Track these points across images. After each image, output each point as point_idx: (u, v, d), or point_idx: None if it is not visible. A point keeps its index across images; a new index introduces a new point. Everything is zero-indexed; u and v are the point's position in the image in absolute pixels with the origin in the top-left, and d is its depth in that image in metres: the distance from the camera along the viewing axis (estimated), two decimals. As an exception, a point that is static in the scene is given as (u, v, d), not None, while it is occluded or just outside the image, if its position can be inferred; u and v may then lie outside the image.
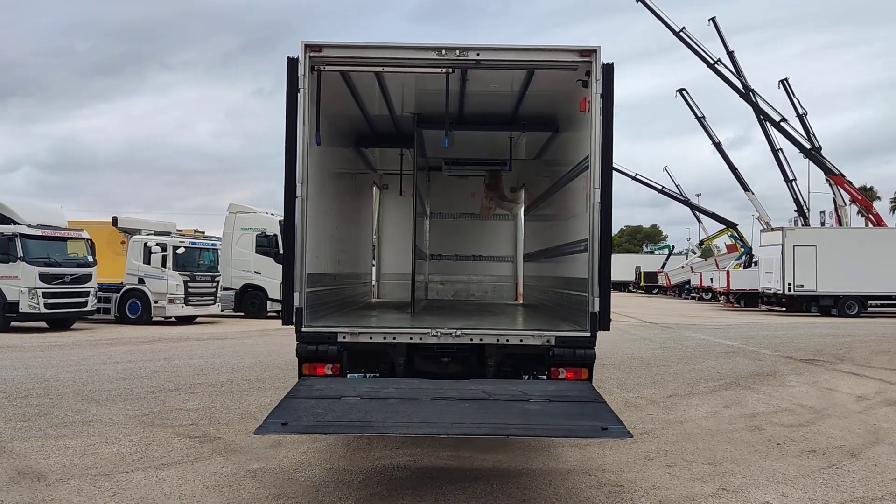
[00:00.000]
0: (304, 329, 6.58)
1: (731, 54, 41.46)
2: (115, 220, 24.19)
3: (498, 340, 6.68)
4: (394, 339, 6.70)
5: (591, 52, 6.59)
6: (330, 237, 8.48)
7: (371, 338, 6.69)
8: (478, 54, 6.68)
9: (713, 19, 42.10)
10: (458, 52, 6.66)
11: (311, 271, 6.88)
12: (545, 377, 6.77)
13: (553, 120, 9.20)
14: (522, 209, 13.41)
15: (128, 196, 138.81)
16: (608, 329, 6.62)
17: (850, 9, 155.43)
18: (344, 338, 6.61)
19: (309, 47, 6.61)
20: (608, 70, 6.60)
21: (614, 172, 6.74)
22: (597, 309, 6.53)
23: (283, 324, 6.70)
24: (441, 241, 13.40)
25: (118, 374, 12.23)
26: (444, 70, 7.00)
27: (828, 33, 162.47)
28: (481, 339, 6.67)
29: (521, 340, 6.67)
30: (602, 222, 6.60)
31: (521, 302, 13.01)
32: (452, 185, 13.20)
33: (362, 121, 9.85)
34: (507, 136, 10.56)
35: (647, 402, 10.06)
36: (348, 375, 6.79)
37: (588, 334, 6.55)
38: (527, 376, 6.91)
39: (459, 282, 13.55)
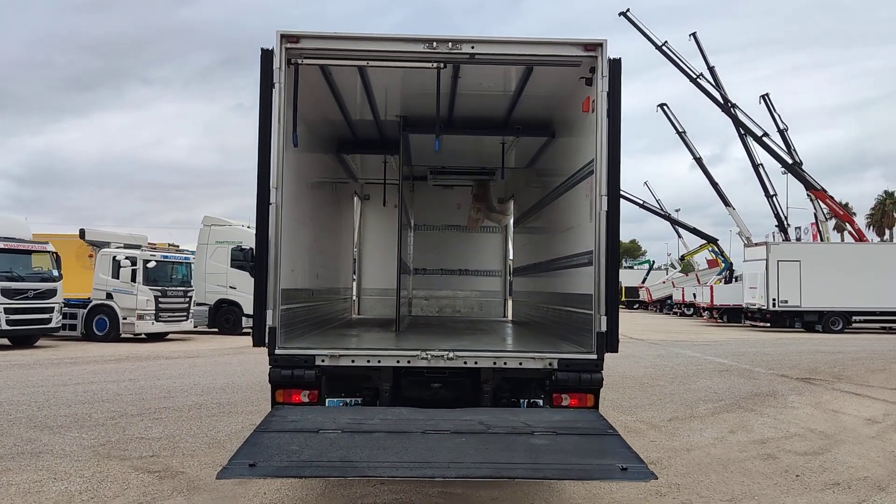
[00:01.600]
0: (277, 351, 5.88)
1: (711, 69, 41.42)
2: (82, 233, 23.22)
3: (495, 364, 6.01)
4: (378, 362, 6.00)
5: (596, 47, 6.03)
6: (307, 249, 7.77)
7: (353, 361, 6.00)
8: (472, 47, 6.06)
9: (694, 34, 42.07)
10: (450, 44, 6.03)
11: (285, 286, 6.18)
12: (541, 401, 6.12)
13: (549, 124, 8.58)
14: (512, 221, 12.78)
15: (104, 210, 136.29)
16: (616, 351, 5.98)
17: (823, 31, 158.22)
18: (323, 361, 5.91)
19: (285, 38, 5.99)
20: (615, 66, 6.02)
21: None
22: (604, 328, 5.90)
23: (254, 345, 5.97)
24: (426, 254, 12.73)
25: (78, 396, 11.35)
26: (435, 65, 6.35)
27: (802, 55, 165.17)
28: (476, 363, 6.00)
29: (521, 364, 6.01)
30: (609, 232, 5.97)
31: (511, 319, 12.35)
32: (438, 196, 12.59)
33: (343, 124, 9.18)
34: (497, 143, 9.95)
35: (648, 427, 9.42)
36: (327, 402, 6.09)
37: (595, 357, 5.92)
38: (524, 402, 6.25)
39: (445, 297, 12.89)
